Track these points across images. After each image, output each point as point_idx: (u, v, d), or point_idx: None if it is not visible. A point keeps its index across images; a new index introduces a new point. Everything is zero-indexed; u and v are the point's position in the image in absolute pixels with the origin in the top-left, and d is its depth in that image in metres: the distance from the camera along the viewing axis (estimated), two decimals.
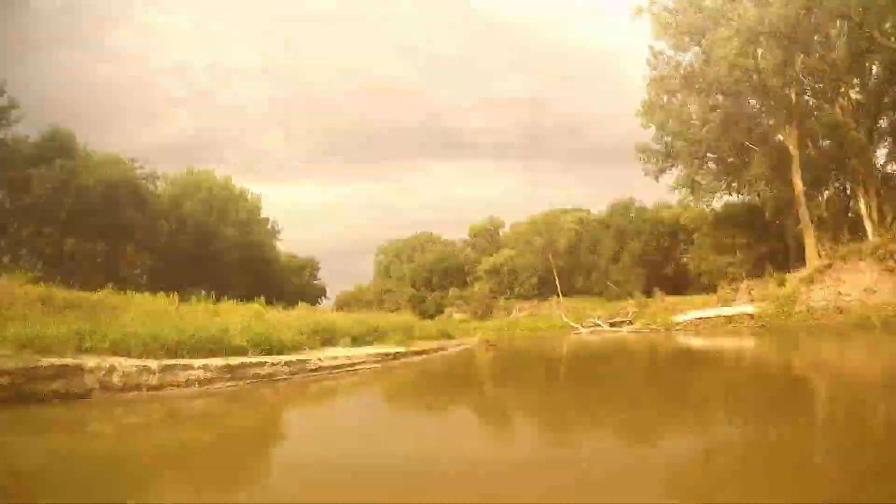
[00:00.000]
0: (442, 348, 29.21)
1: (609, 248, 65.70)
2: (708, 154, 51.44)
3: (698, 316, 42.54)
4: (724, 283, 48.69)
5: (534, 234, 70.03)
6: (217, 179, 66.12)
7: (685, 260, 58.59)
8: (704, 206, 54.33)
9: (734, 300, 44.99)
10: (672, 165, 53.67)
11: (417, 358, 24.35)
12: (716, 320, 41.32)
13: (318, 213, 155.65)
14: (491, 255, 76.74)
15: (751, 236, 53.14)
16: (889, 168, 47.73)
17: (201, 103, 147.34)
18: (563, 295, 64.61)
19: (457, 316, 71.34)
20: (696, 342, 32.39)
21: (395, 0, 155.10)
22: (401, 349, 23.94)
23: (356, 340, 23.16)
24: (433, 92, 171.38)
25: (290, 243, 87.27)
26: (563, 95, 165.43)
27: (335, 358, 18.97)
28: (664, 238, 63.81)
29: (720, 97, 47.65)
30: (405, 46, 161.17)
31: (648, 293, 55.67)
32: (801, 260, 45.48)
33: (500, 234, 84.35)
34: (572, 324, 49.27)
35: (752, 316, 39.89)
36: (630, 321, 49.93)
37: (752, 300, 42.98)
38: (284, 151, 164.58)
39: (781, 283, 41.75)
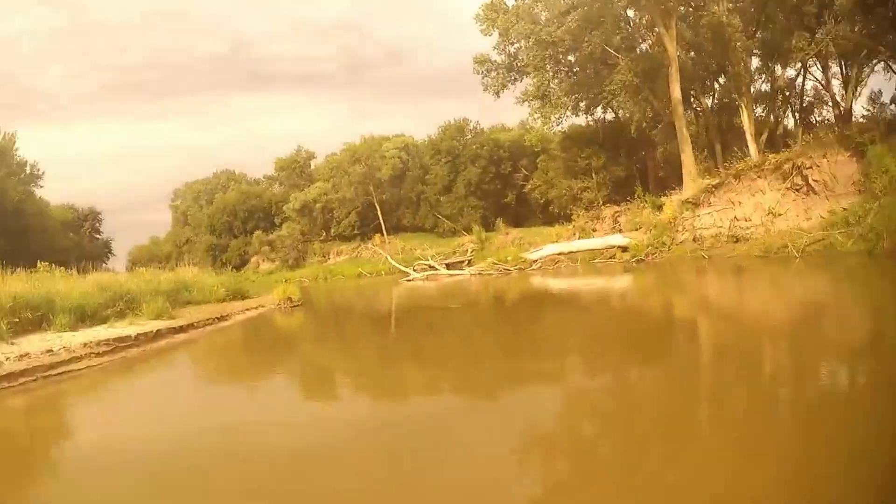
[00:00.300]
0: (223, 317, 21.74)
1: (440, 176, 56.61)
2: (562, 62, 42.88)
3: (557, 251, 35.11)
4: (580, 211, 40.87)
5: (351, 164, 59.76)
6: None
7: (529, 187, 50.00)
8: (552, 126, 45.53)
9: (595, 230, 37.73)
10: (516, 80, 45.43)
11: (179, 338, 17.76)
12: (578, 255, 34.10)
13: (109, 159, 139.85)
14: (302, 192, 65.91)
15: (609, 157, 45.07)
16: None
17: None
18: (389, 233, 56.07)
19: (264, 266, 64.11)
20: (558, 284, 27.34)
21: None
22: (151, 328, 17.48)
23: (89, 318, 17.76)
24: (237, 17, 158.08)
25: (75, 194, 75.51)
26: (386, 19, 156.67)
27: (24, 357, 12.81)
28: (504, 164, 54.93)
29: None
30: None
31: (489, 227, 47.02)
32: (672, 184, 38.53)
33: (312, 166, 73.29)
34: (402, 268, 40.08)
35: (624, 248, 32.68)
36: (469, 261, 42.20)
37: (619, 230, 35.80)
38: (66, 89, 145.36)
39: (657, 209, 34.43)
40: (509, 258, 35.87)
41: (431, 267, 39.30)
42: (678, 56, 37.17)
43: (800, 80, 42.15)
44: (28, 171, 58.21)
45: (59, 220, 67.36)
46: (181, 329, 18.43)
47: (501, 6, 42.13)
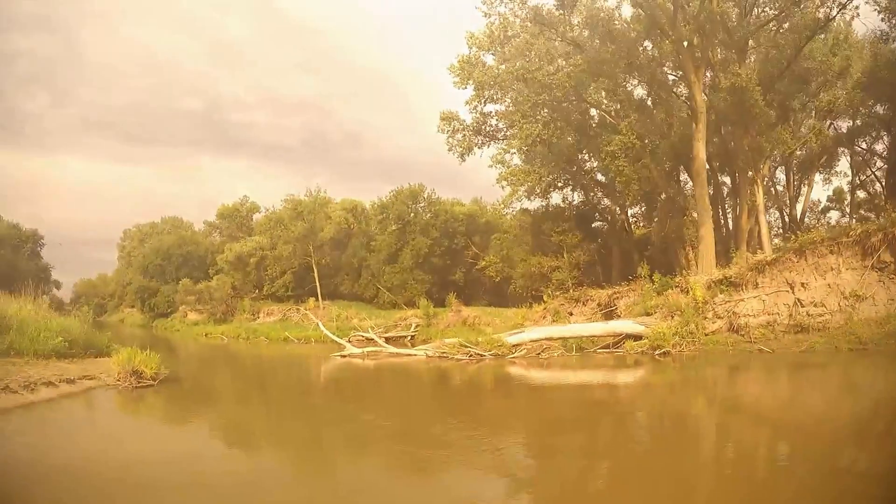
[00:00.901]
0: None
1: (386, 244, 51.47)
2: (556, 110, 38.15)
3: (544, 335, 27.73)
4: (551, 291, 35.84)
5: (292, 219, 54.72)
6: None
7: (483, 263, 45.46)
8: (520, 197, 41.41)
9: (571, 314, 32.26)
10: (483, 144, 41.83)
11: None
12: (571, 342, 27.34)
13: (76, 191, 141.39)
14: (238, 243, 61.13)
15: (583, 236, 41.03)
16: None
17: None
18: (325, 299, 50.79)
19: (192, 316, 59.32)
20: (571, 391, 19.36)
21: None
22: None
23: None
24: (217, 79, 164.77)
25: (34, 218, 73.99)
26: (349, 107, 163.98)
27: None
28: (458, 238, 50.37)
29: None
30: (193, 27, 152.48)
31: (435, 303, 42.24)
32: (660, 268, 33.13)
33: (254, 220, 69.28)
34: (335, 338, 34.45)
35: (636, 337, 26.29)
36: (412, 337, 37.76)
37: (614, 314, 30.14)
38: (49, 117, 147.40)
39: (685, 291, 28.47)
40: (481, 339, 28.01)
41: (371, 341, 33.76)
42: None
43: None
44: None
45: None
46: None
47: (479, 60, 38.12)
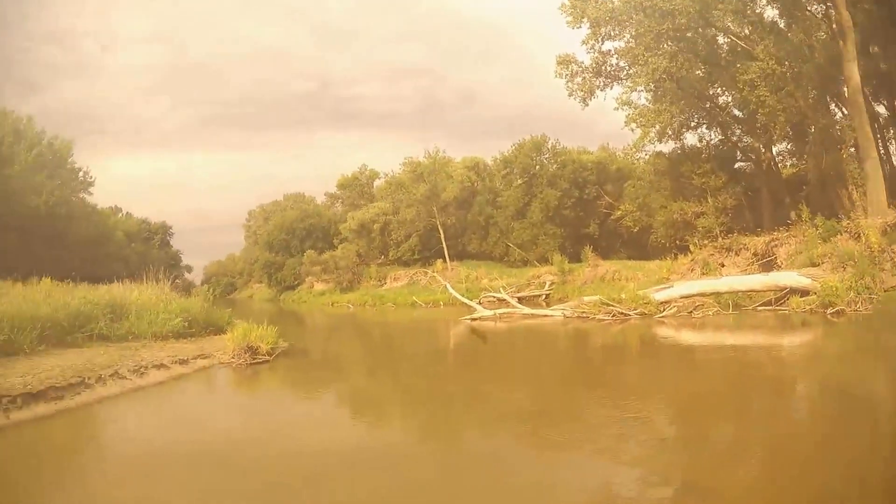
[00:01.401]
0: (98, 380, 13.15)
1: (513, 199, 49.29)
2: (682, 42, 34.62)
3: (696, 290, 24.14)
4: (698, 241, 32.61)
5: (414, 182, 53.18)
6: None
7: (619, 213, 42.53)
8: (652, 139, 38.11)
9: (722, 266, 29.08)
10: (605, 86, 38.88)
11: None
12: (725, 298, 23.53)
13: (200, 185, 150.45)
14: (360, 211, 60.51)
15: (727, 178, 37.50)
16: None
17: (84, 71, 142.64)
18: (453, 260, 48.91)
19: (318, 287, 58.29)
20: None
21: None
22: None
23: None
24: (325, 59, 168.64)
25: (166, 214, 77.56)
26: (460, 66, 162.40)
27: None
28: (589, 188, 47.59)
29: None
30: (294, 11, 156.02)
31: (570, 258, 39.61)
32: (823, 211, 29.11)
33: (375, 187, 68.36)
34: (464, 300, 32.29)
35: (801, 292, 22.19)
36: (547, 295, 35.64)
37: (774, 265, 26.79)
38: (171, 120, 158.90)
39: (856, 237, 24.62)
40: (624, 296, 24.81)
41: (502, 301, 31.38)
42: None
43: None
44: (81, 179, 56.60)
45: (125, 231, 69.14)
46: None
47: None
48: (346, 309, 45.41)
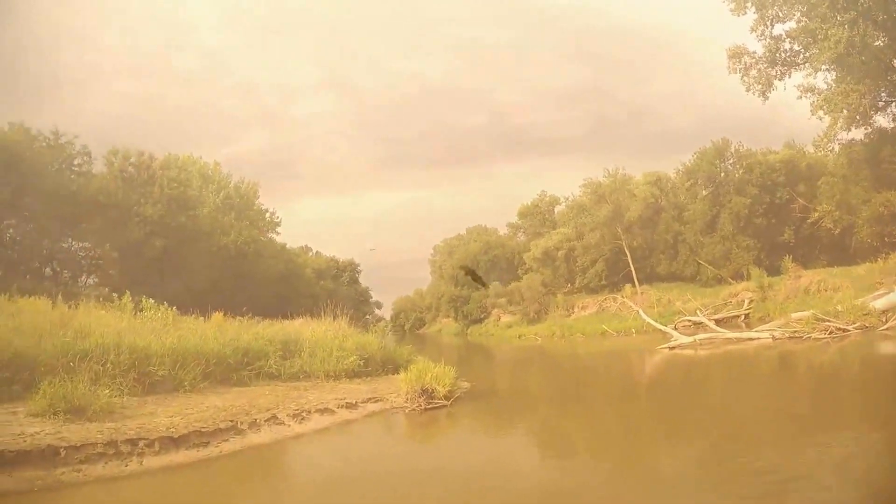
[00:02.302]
0: (251, 425, 12.92)
1: (700, 212, 46.75)
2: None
3: None
4: None
5: (595, 204, 52.12)
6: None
7: (817, 214, 39.30)
8: (844, 128, 35.03)
9: None
10: (783, 75, 36.36)
11: None
12: None
13: (388, 220, 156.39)
14: (543, 238, 59.75)
15: None
16: None
17: (268, 121, 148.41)
18: (641, 283, 47.50)
19: (505, 319, 57.83)
20: None
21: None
22: None
23: None
24: (492, 90, 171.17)
25: (353, 253, 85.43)
26: (626, 81, 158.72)
27: None
28: (779, 191, 44.36)
29: None
30: (457, 45, 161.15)
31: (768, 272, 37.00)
32: None
33: (556, 213, 67.08)
34: (659, 326, 30.70)
35: None
36: (747, 315, 33.47)
37: None
38: (352, 162, 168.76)
39: None
40: (840, 308, 23.01)
41: (699, 325, 29.50)
42: None
43: None
44: (268, 219, 61.16)
45: (314, 269, 71.60)
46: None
47: None
48: (533, 341, 44.91)
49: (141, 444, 10.75)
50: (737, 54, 36.32)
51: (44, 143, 40.87)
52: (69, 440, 10.36)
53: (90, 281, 42.81)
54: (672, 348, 25.39)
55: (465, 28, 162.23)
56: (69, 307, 18.25)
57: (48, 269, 41.48)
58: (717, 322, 30.81)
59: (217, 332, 18.46)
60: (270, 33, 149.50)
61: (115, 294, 23.62)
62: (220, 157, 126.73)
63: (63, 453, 9.99)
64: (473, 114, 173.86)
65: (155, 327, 17.46)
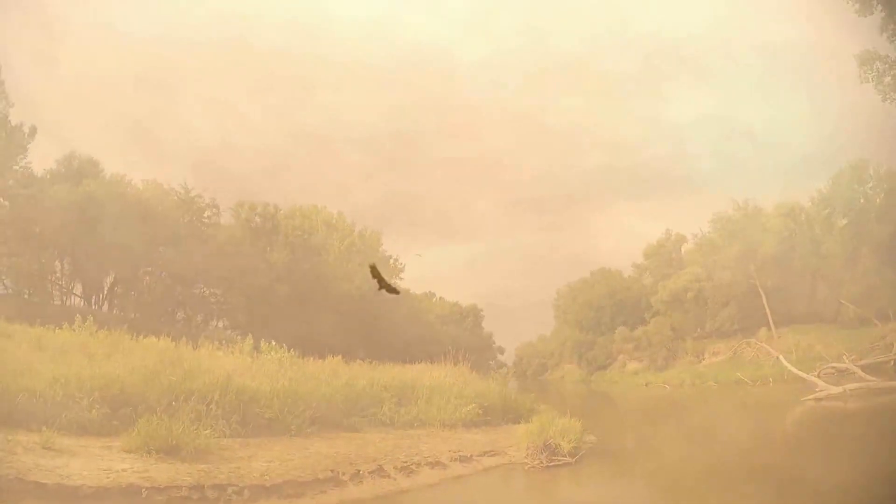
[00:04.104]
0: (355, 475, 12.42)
1: (839, 244, 43.05)
2: None
3: None
4: None
5: (726, 240, 49.49)
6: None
7: None
8: None
9: None
10: None
11: None
12: None
13: (513, 265, 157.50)
14: (671, 280, 57.04)
15: None
16: None
17: (390, 170, 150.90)
18: (777, 325, 44.12)
19: (631, 366, 56.47)
20: None
21: (543, 28, 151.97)
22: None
23: None
24: (609, 126, 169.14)
25: (484, 297, 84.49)
26: (743, 104, 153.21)
27: None
28: None
29: None
30: (577, 86, 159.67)
31: None
32: None
33: (683, 252, 64.62)
34: (802, 374, 28.02)
35: None
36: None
37: None
38: (474, 208, 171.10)
39: None
40: None
41: (844, 372, 26.73)
42: None
43: None
44: (391, 265, 61.63)
45: (437, 314, 73.62)
46: None
47: None
48: (662, 389, 43.48)
49: (230, 490, 10.43)
50: (868, 60, 33.23)
51: (175, 198, 45.10)
52: (154, 480, 10.21)
53: (220, 324, 47.56)
54: (819, 400, 22.90)
55: (572, 63, 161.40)
56: (193, 348, 19.15)
57: (180, 314, 45.91)
58: (864, 368, 27.86)
59: (331, 375, 18.84)
60: (386, 86, 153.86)
61: (239, 336, 24.84)
62: (344, 205, 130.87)
63: (145, 493, 9.88)
64: (592, 152, 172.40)
65: (270, 370, 17.82)
